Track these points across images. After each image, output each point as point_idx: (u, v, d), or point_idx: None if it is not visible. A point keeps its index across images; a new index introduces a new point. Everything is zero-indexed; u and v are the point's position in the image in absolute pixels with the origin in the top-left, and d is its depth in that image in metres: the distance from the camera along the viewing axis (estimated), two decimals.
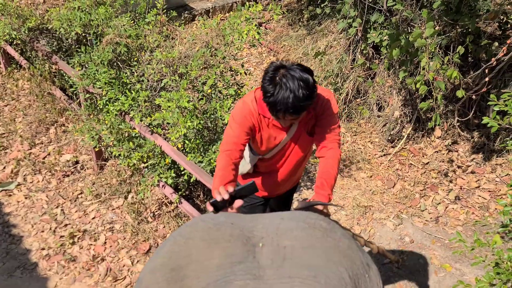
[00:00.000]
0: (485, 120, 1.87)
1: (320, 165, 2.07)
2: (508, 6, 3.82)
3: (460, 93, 3.13)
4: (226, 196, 1.59)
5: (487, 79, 3.01)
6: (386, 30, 3.98)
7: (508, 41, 2.76)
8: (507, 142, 1.77)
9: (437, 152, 4.08)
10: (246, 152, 2.31)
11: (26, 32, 4.10)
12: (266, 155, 2.26)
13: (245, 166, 2.36)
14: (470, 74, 3.86)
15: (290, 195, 2.63)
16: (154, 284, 1.45)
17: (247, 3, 3.72)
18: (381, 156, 4.07)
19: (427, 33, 2.94)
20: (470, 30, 3.40)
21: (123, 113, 3.01)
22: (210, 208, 1.63)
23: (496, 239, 1.64)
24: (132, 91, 2.93)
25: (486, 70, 3.04)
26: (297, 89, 1.77)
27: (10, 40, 4.37)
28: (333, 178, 2.00)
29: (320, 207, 1.85)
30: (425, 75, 3.02)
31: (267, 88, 1.82)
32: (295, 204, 1.68)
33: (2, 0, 4.19)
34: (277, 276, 1.39)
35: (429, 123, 3.37)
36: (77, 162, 4.08)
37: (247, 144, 2.18)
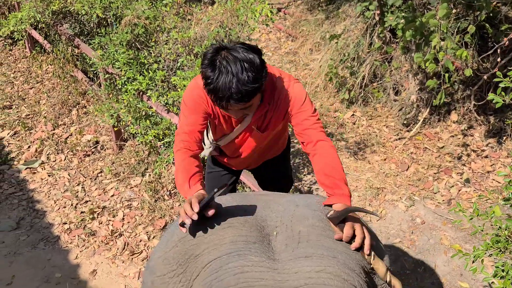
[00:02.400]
0: (490, 96, 1.89)
1: (317, 162, 1.80)
2: None
3: (468, 72, 3.14)
4: (195, 217, 1.42)
5: (499, 59, 3.01)
6: (403, 13, 3.97)
7: None
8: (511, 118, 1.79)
9: (453, 136, 4.07)
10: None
11: (50, 15, 4.23)
12: (219, 142, 2.14)
13: (205, 151, 2.23)
14: (489, 59, 3.84)
15: (278, 160, 2.38)
16: (169, 272, 1.43)
17: None
18: (396, 139, 4.09)
19: (440, 14, 2.94)
20: (486, 12, 3.38)
21: (141, 93, 3.10)
22: (182, 230, 1.49)
23: (496, 209, 1.67)
24: (149, 71, 3.01)
25: (499, 50, 3.03)
26: (240, 71, 1.56)
27: (35, 24, 4.51)
28: (341, 171, 1.74)
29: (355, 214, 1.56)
30: (435, 54, 3.03)
31: (206, 74, 1.61)
32: (330, 213, 1.52)
33: None
34: (293, 256, 1.34)
35: (434, 101, 3.38)
36: (97, 142, 4.22)
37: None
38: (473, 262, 1.63)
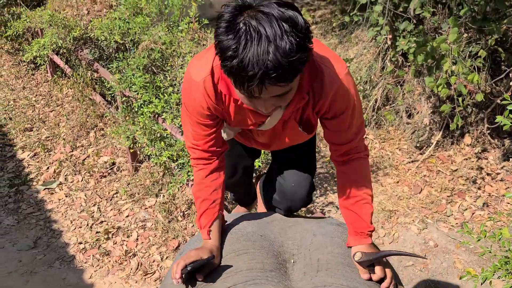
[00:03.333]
0: (498, 118, 1.91)
1: (343, 183, 1.56)
2: None
3: (479, 97, 3.16)
4: (176, 283, 1.31)
5: (511, 83, 3.02)
6: (414, 38, 4.03)
7: None
8: None
9: (467, 159, 4.06)
10: None
11: (71, 41, 4.39)
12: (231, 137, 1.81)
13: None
14: (502, 82, 3.86)
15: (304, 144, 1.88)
16: None
17: None
18: (409, 162, 4.09)
19: (450, 39, 2.98)
20: (497, 36, 3.41)
21: (156, 115, 3.19)
22: (174, 281, 1.37)
23: (504, 231, 1.68)
24: (165, 94, 3.10)
25: (511, 74, 3.05)
26: (280, 35, 1.06)
27: (57, 49, 4.68)
28: (369, 204, 1.53)
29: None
30: (447, 79, 3.06)
31: (225, 44, 1.10)
32: (357, 256, 1.41)
33: (51, 12, 4.50)
34: (311, 285, 1.26)
35: (451, 124, 3.39)
36: (113, 164, 4.31)
37: None
38: (482, 283, 1.63)
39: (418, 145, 4.23)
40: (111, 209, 3.86)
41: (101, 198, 3.98)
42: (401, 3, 4.14)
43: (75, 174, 4.26)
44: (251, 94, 1.17)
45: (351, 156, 1.56)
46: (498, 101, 3.50)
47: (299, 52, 1.10)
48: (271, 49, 1.07)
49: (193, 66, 1.41)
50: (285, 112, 1.48)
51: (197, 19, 3.31)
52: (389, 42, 4.38)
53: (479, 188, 3.76)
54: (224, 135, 1.75)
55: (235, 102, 1.43)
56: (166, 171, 3.54)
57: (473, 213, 3.49)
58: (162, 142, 3.08)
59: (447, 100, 3.99)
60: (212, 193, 1.55)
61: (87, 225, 3.71)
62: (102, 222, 3.74)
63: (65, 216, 3.85)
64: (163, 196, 3.75)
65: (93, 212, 3.83)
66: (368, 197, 1.55)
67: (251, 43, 1.07)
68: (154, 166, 3.91)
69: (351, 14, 4.80)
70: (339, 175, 1.62)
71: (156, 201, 3.81)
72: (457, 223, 3.41)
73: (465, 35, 3.73)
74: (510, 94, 3.29)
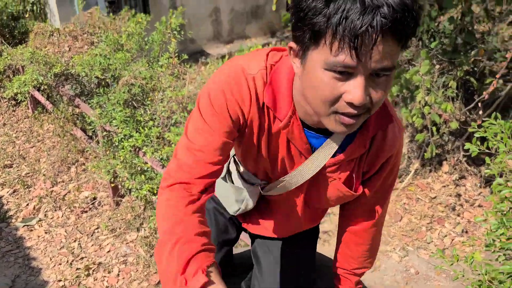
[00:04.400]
0: (467, 145, 1.98)
1: (346, 245, 1.41)
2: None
3: (453, 125, 3.26)
4: None
5: (481, 112, 3.14)
6: None
7: (498, 75, 2.90)
8: (489, 168, 1.88)
9: (445, 186, 4.13)
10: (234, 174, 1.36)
11: (52, 77, 4.42)
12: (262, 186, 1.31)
13: (233, 204, 1.41)
14: (475, 111, 3.98)
15: (299, 239, 1.52)
16: None
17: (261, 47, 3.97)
18: None
19: (422, 70, 3.10)
20: (467, 68, 3.56)
21: (137, 149, 3.21)
22: None
23: (475, 254, 1.72)
24: (145, 128, 3.14)
25: (479, 104, 3.17)
26: None
27: (38, 85, 4.70)
28: (363, 272, 1.47)
29: None
30: (421, 109, 3.17)
31: (311, 5, 0.85)
32: None
33: (32, 49, 4.55)
34: None
35: (425, 154, 3.48)
36: (95, 199, 4.28)
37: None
38: None
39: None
40: (92, 245, 3.82)
41: (82, 234, 3.93)
42: None
43: (55, 210, 4.21)
44: (352, 57, 0.84)
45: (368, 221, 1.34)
46: (470, 129, 3.61)
47: (417, 14, 0.86)
48: None
49: (245, 59, 1.11)
50: (337, 156, 1.14)
51: (176, 54, 3.38)
52: None
53: (458, 215, 3.82)
54: (233, 202, 1.38)
55: (272, 119, 1.10)
56: (147, 205, 3.53)
57: (452, 239, 3.53)
58: (143, 176, 3.09)
59: (424, 129, 4.09)
60: (200, 233, 1.00)
61: (67, 261, 3.65)
62: (82, 258, 3.69)
63: (45, 253, 3.78)
64: (145, 230, 3.73)
65: (74, 248, 3.78)
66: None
67: None
68: (135, 200, 3.90)
69: None
70: (343, 244, 1.42)
71: (137, 235, 3.78)
72: (446, 255, 3.45)
73: (437, 66, 3.87)
74: (480, 122, 3.40)
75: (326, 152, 1.14)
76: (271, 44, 7.12)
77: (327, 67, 0.88)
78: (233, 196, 1.39)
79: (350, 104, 0.90)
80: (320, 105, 0.94)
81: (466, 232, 3.61)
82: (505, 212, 1.63)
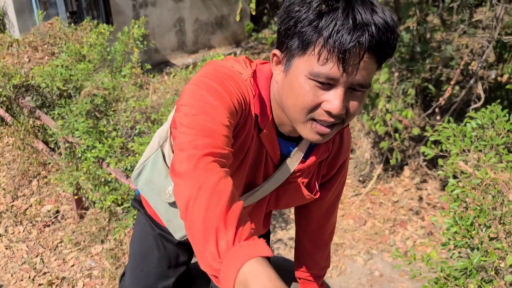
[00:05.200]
0: (422, 149, 2.06)
1: (307, 247, 1.48)
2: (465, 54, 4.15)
3: (415, 131, 3.37)
4: None
5: (438, 117, 3.25)
6: None
7: (452, 82, 3.02)
8: (442, 169, 1.96)
9: (407, 190, 4.25)
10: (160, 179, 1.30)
11: (11, 89, 4.32)
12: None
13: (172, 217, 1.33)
14: (433, 117, 4.13)
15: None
16: None
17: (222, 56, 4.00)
18: (353, 196, 4.23)
19: (382, 79, 3.20)
20: (424, 75, 3.69)
21: (100, 160, 3.17)
22: None
23: (432, 253, 1.78)
24: (108, 139, 3.10)
25: (437, 109, 3.29)
26: (380, 10, 0.89)
27: None
28: (324, 272, 1.56)
29: None
30: (383, 117, 3.26)
31: (312, 4, 0.90)
32: None
33: None
34: None
35: (390, 160, 3.57)
36: (57, 212, 4.19)
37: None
38: None
39: (361, 179, 4.39)
40: (55, 259, 3.73)
41: (44, 249, 3.83)
42: None
43: (16, 225, 4.09)
44: (339, 69, 0.89)
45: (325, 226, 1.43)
46: (428, 135, 3.74)
47: (395, 32, 0.92)
48: (378, 10, 0.89)
49: (229, 63, 1.09)
50: (306, 162, 1.19)
51: (139, 64, 3.37)
52: None
53: (420, 218, 3.93)
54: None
55: (258, 133, 1.09)
56: (112, 216, 3.48)
57: (414, 242, 3.63)
58: (106, 187, 3.05)
59: (386, 136, 4.21)
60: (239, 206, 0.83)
61: (29, 277, 3.55)
62: (45, 273, 3.59)
63: (5, 270, 3.67)
64: (110, 242, 3.67)
65: (36, 264, 3.68)
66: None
67: (339, 12, 0.87)
68: (99, 212, 3.83)
69: None
70: (303, 249, 1.49)
71: (102, 247, 3.72)
72: (402, 254, 3.54)
73: (396, 74, 3.99)
74: (435, 129, 3.53)
75: (295, 159, 1.18)
76: (236, 53, 7.17)
77: (311, 76, 0.92)
78: (174, 219, 1.32)
79: (328, 113, 0.95)
80: (299, 111, 0.97)
81: (429, 234, 3.72)
82: (458, 211, 1.70)
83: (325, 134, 0.99)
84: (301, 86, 0.94)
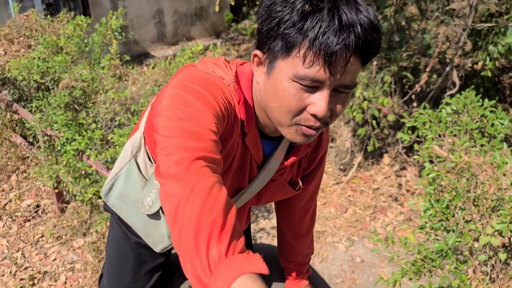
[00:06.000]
0: (399, 135, 2.10)
1: (291, 238, 1.50)
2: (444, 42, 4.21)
3: (391, 117, 3.42)
4: None
5: (415, 104, 3.31)
6: None
7: (427, 69, 3.07)
8: (417, 154, 2.00)
9: (387, 178, 4.32)
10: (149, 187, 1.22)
11: None
12: None
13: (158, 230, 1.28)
14: (411, 104, 4.20)
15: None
16: None
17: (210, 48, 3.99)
18: (334, 184, 4.28)
19: None
20: (402, 63, 3.74)
21: (80, 152, 3.15)
22: None
23: (410, 236, 1.83)
24: (88, 131, 3.08)
25: (413, 96, 3.34)
26: (365, 9, 0.88)
27: None
28: (309, 258, 1.59)
29: None
30: (360, 104, 3.30)
31: (296, 4, 0.87)
32: None
33: None
34: None
35: (368, 147, 3.62)
36: (38, 207, 4.15)
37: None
38: (393, 287, 1.75)
39: (341, 167, 4.44)
40: (37, 254, 3.70)
41: (25, 243, 3.80)
42: None
43: None
44: (327, 60, 0.86)
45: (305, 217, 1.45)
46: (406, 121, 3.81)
47: (380, 31, 0.91)
48: (362, 9, 0.87)
49: (208, 66, 1.06)
50: (289, 158, 1.19)
51: (118, 56, 3.34)
52: None
53: (400, 204, 4.00)
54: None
55: (243, 138, 1.08)
56: (93, 209, 3.47)
57: (394, 228, 3.70)
58: (87, 179, 3.04)
59: (365, 124, 4.26)
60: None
61: (10, 272, 3.52)
62: (26, 268, 3.57)
63: None
64: (92, 235, 3.66)
65: (17, 259, 3.64)
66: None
67: (324, 13, 0.85)
68: (81, 205, 3.81)
69: None
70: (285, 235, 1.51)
71: (84, 241, 3.70)
72: (381, 239, 3.60)
73: (375, 63, 4.03)
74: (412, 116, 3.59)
75: (278, 158, 1.17)
76: (217, 44, 7.15)
77: (296, 79, 0.90)
78: (165, 230, 1.26)
79: (314, 116, 0.94)
80: (284, 114, 0.95)
81: (409, 219, 3.79)
82: (433, 195, 1.74)
83: (310, 135, 0.98)
84: (285, 89, 0.92)
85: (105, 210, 1.49)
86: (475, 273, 1.62)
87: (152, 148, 1.18)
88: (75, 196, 3.77)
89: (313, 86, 0.91)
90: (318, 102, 0.91)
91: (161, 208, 1.21)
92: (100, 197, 3.08)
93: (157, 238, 1.28)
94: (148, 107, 1.20)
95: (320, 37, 0.84)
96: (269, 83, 0.96)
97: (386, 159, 4.48)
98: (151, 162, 1.22)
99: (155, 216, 1.24)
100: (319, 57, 0.86)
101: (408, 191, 4.18)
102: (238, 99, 1.02)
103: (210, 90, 0.94)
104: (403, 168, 4.43)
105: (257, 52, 0.98)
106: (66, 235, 3.78)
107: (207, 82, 0.96)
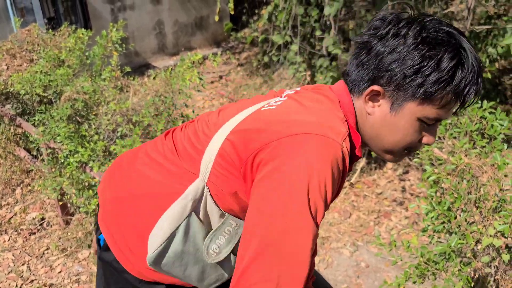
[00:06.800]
0: None
1: None
2: None
3: None
4: None
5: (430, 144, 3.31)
6: (330, 73, 4.31)
7: None
8: (417, 157, 2.00)
9: (390, 182, 4.31)
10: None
11: None
12: None
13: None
14: None
15: None
16: None
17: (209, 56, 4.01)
18: None
19: None
20: None
21: (83, 164, 3.17)
22: None
23: (413, 240, 1.83)
24: (90, 143, 3.10)
25: None
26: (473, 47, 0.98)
27: None
28: None
29: None
30: None
31: (447, 64, 0.94)
32: None
33: None
34: None
35: (371, 152, 3.63)
36: (43, 219, 4.16)
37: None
38: None
39: None
40: (42, 267, 3.71)
41: (31, 256, 3.81)
42: (316, 43, 4.45)
43: (1, 234, 4.06)
44: (462, 105, 1.02)
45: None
46: None
47: None
48: (478, 57, 0.98)
49: (323, 120, 0.99)
50: None
51: (119, 67, 3.37)
52: (308, 78, 4.65)
53: (404, 208, 3.99)
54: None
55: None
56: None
57: (399, 232, 3.69)
58: (90, 191, 3.05)
59: None
60: None
61: (16, 286, 3.53)
62: (32, 281, 3.57)
63: None
64: None
65: (22, 272, 3.65)
66: None
67: (466, 60, 0.96)
68: (85, 217, 3.82)
69: (269, 54, 5.06)
70: None
71: (89, 252, 3.70)
72: (385, 242, 3.59)
73: None
74: None
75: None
76: (217, 54, 7.19)
77: (424, 119, 1.00)
78: (227, 270, 1.20)
79: (423, 145, 1.07)
80: (399, 147, 1.06)
81: (413, 223, 3.78)
82: (435, 197, 1.74)
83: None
84: (410, 127, 1.01)
85: (102, 260, 1.30)
86: (478, 275, 1.62)
87: (221, 197, 1.11)
88: (79, 208, 3.79)
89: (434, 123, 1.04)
90: (432, 135, 1.05)
91: (231, 251, 1.17)
92: None
93: (214, 278, 1.22)
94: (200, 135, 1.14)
95: (466, 90, 0.97)
96: (391, 119, 1.03)
97: (389, 163, 4.48)
98: (218, 208, 1.13)
99: (222, 261, 1.18)
100: (456, 104, 1.00)
101: (412, 194, 4.17)
102: (348, 150, 1.01)
103: (336, 174, 0.95)
104: (406, 172, 4.43)
105: (379, 88, 1.02)
106: (71, 247, 3.79)
107: (336, 165, 0.95)
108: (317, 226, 0.93)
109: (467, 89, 0.96)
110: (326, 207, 0.94)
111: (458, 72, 0.95)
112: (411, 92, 0.98)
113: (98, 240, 1.34)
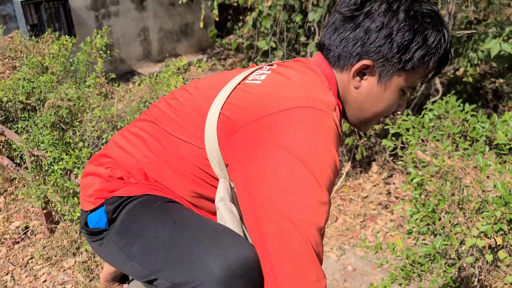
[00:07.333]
0: (383, 142, 2.13)
1: None
2: None
3: (377, 125, 3.46)
4: None
5: (399, 112, 3.36)
6: None
7: None
8: (402, 159, 2.03)
9: (375, 185, 4.35)
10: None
11: None
12: None
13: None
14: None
15: None
16: None
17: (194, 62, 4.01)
18: None
19: None
20: None
21: (68, 172, 3.14)
22: None
23: (398, 242, 1.85)
24: (75, 150, 3.08)
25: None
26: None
27: None
28: None
29: None
30: None
31: (433, 36, 1.02)
32: None
33: None
34: None
35: (356, 156, 3.66)
36: (27, 228, 4.10)
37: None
38: None
39: None
40: (26, 276, 3.65)
41: (15, 266, 3.75)
42: (300, 48, 4.47)
43: None
44: (433, 75, 1.10)
45: None
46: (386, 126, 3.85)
47: None
48: (447, 27, 1.07)
49: (313, 91, 0.98)
50: None
51: (103, 74, 3.36)
52: None
53: (389, 211, 4.03)
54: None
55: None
56: None
57: (385, 235, 3.71)
58: (75, 198, 3.02)
59: (352, 133, 4.30)
60: None
61: None
62: None
63: None
64: (81, 254, 3.63)
65: (6, 282, 3.59)
66: None
67: (437, 33, 1.03)
68: (70, 225, 3.78)
69: (255, 60, 5.08)
70: None
71: (75, 261, 3.66)
72: (371, 246, 3.62)
73: None
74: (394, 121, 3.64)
75: None
76: (202, 60, 7.19)
77: (406, 89, 1.08)
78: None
79: (394, 112, 1.14)
80: (378, 116, 1.11)
81: (399, 226, 3.82)
82: (419, 199, 1.77)
83: None
84: (394, 97, 1.07)
85: (90, 234, 1.17)
86: (463, 276, 1.64)
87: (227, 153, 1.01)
88: (64, 215, 3.74)
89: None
90: (404, 101, 1.12)
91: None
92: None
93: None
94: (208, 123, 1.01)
95: (445, 60, 1.07)
96: (377, 91, 1.06)
97: (374, 167, 4.52)
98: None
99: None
100: (434, 74, 1.09)
101: (397, 197, 4.21)
102: (340, 115, 1.06)
103: (336, 146, 0.95)
104: (391, 176, 4.47)
105: (369, 62, 1.04)
106: (56, 256, 3.74)
107: (334, 138, 0.95)
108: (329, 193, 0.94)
109: (446, 59, 1.06)
110: (336, 173, 0.94)
111: (442, 45, 1.04)
112: (400, 66, 1.02)
113: (86, 224, 1.17)
